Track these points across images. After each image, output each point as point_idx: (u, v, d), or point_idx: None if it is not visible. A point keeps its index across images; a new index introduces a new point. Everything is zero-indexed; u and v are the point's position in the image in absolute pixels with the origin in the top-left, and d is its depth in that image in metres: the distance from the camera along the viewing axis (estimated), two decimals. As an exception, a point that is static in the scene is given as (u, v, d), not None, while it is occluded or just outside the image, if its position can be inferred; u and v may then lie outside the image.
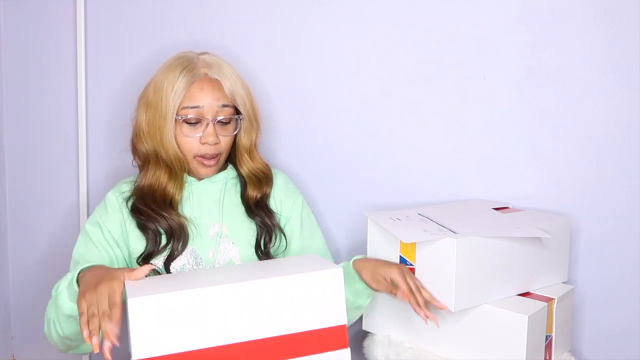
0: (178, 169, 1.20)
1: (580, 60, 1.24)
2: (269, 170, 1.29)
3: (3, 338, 1.80)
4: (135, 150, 1.25)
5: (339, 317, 0.99)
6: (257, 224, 1.23)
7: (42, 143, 1.71)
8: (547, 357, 1.11)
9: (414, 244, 1.09)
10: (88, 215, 1.63)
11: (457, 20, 1.31)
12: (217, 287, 0.94)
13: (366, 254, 1.20)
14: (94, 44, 1.62)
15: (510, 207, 1.28)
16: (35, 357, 1.78)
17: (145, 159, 1.22)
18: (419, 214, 1.19)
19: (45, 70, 1.68)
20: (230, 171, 1.28)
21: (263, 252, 1.22)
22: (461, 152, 1.34)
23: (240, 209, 1.25)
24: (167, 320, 0.90)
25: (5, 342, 1.81)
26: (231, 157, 1.28)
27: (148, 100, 1.20)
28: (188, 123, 1.17)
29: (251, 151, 1.25)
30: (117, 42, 1.60)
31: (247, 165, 1.25)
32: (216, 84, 1.18)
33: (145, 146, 1.20)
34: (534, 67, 1.27)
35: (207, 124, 1.17)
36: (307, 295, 0.98)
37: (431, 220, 1.14)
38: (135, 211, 1.19)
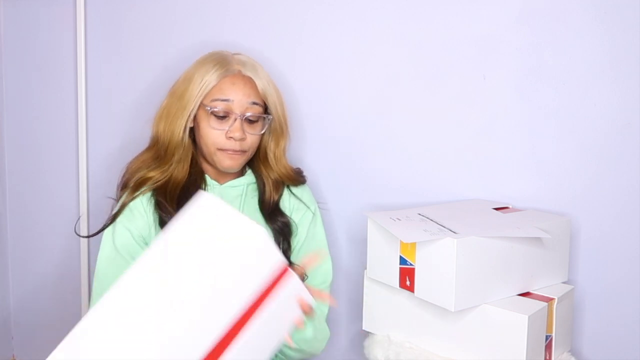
0: (167, 160, 1.21)
1: (580, 60, 1.24)
2: (298, 176, 1.29)
3: (3, 338, 1.80)
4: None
5: (272, 263, 0.91)
6: (274, 231, 1.23)
7: (42, 143, 1.71)
8: (547, 357, 1.11)
9: (414, 244, 1.09)
10: (88, 215, 1.63)
11: (457, 20, 1.32)
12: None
13: (366, 254, 1.21)
14: (94, 44, 1.62)
15: (510, 207, 1.28)
16: (35, 357, 1.78)
17: (154, 139, 1.24)
18: (419, 214, 1.19)
19: (45, 71, 1.68)
20: (249, 176, 1.28)
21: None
22: (461, 152, 1.34)
23: (259, 214, 1.24)
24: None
25: (5, 342, 1.81)
26: (252, 162, 1.28)
27: (174, 88, 1.23)
28: (216, 116, 1.18)
29: (278, 157, 1.26)
30: (118, 41, 1.60)
31: (271, 170, 1.25)
32: (248, 81, 1.20)
33: (155, 129, 1.23)
34: (534, 67, 1.27)
35: (235, 119, 1.17)
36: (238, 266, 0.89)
37: (431, 220, 1.14)
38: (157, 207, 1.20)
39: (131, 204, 1.19)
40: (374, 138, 1.41)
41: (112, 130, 1.61)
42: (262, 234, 0.89)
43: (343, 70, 1.42)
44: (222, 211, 0.91)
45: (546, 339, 1.10)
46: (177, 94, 1.21)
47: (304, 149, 1.46)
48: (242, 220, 0.90)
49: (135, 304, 0.86)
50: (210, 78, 1.18)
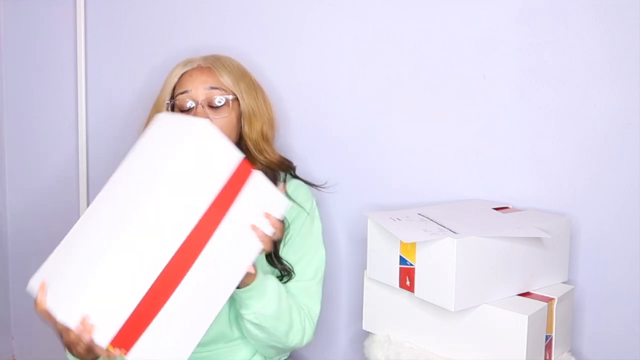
0: None
1: (580, 60, 1.24)
2: (284, 160, 1.27)
3: (3, 338, 1.80)
4: None
5: (229, 160, 0.91)
6: None
7: (42, 143, 1.71)
8: (547, 357, 1.11)
9: (414, 244, 1.09)
10: (88, 215, 1.64)
11: (457, 20, 1.32)
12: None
13: (366, 254, 1.21)
14: (94, 44, 1.62)
15: (510, 207, 1.28)
16: (35, 357, 1.78)
17: None
18: (419, 214, 1.19)
19: (45, 71, 1.68)
20: None
21: (273, 257, 1.21)
22: (461, 152, 1.34)
23: None
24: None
25: (5, 342, 1.81)
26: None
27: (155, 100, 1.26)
28: (182, 110, 1.20)
29: (254, 140, 1.23)
30: (118, 41, 1.60)
31: (253, 159, 1.23)
32: (206, 70, 1.22)
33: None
34: (534, 67, 1.27)
35: (197, 107, 1.19)
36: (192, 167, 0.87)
37: (431, 220, 1.14)
38: None
39: None
40: (373, 138, 1.41)
41: (112, 130, 1.61)
42: (207, 126, 0.88)
43: (343, 70, 1.42)
44: (176, 119, 0.94)
45: (546, 339, 1.10)
46: (154, 103, 1.25)
47: (304, 148, 1.46)
48: (190, 119, 0.91)
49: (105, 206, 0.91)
50: (173, 79, 1.22)
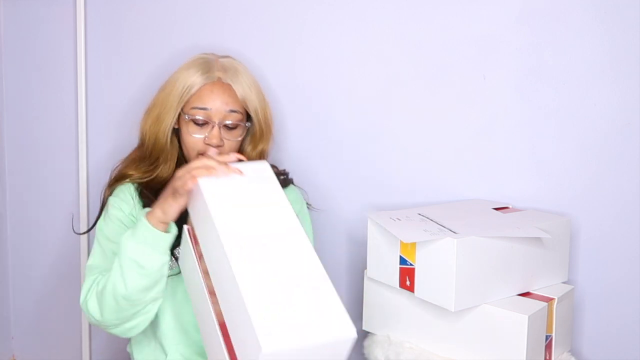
0: (152, 161, 1.23)
1: (580, 60, 1.24)
2: (282, 178, 1.28)
3: (3, 338, 1.80)
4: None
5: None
6: None
7: (42, 143, 1.71)
8: (547, 357, 1.11)
9: (414, 244, 1.09)
10: (88, 215, 1.64)
11: (457, 20, 1.32)
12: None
13: (366, 254, 1.21)
14: (94, 44, 1.62)
15: (510, 207, 1.28)
16: (35, 357, 1.78)
17: (141, 139, 1.26)
18: (419, 214, 1.19)
19: (45, 71, 1.68)
20: None
21: None
22: (461, 152, 1.34)
23: None
24: None
25: (5, 342, 1.81)
26: None
27: (161, 90, 1.24)
28: (195, 123, 1.19)
29: (253, 159, 1.24)
30: (118, 41, 1.60)
31: None
32: (227, 88, 1.20)
33: (142, 129, 1.25)
34: (534, 67, 1.27)
35: (213, 127, 1.18)
36: None
37: (431, 220, 1.14)
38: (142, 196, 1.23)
39: (118, 189, 1.23)
40: (373, 138, 1.41)
41: (111, 130, 1.61)
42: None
43: (343, 70, 1.42)
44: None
45: (546, 339, 1.10)
46: (161, 97, 1.23)
47: (304, 149, 1.46)
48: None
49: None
50: (191, 85, 1.19)
